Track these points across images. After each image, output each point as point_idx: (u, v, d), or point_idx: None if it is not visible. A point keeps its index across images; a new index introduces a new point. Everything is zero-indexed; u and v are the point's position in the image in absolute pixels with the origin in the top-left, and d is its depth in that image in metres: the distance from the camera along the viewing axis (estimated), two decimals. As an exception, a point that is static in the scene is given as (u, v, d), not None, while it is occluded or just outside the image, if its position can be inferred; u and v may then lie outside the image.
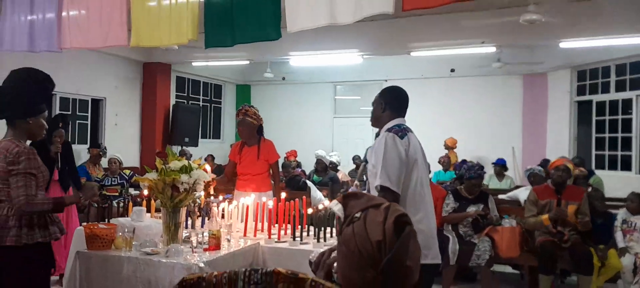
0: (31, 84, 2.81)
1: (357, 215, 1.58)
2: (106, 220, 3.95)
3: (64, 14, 4.52)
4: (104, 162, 7.51)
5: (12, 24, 4.74)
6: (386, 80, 10.78)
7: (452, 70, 10.42)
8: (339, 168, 8.73)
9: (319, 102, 12.14)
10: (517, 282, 5.64)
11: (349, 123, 11.76)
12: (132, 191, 6.47)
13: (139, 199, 4.82)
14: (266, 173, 4.59)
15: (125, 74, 9.40)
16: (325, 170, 7.93)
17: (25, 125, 2.74)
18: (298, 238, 3.36)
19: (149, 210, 3.98)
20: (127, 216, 3.75)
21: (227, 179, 4.76)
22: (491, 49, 7.90)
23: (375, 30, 7.11)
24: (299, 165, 9.20)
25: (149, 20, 4.13)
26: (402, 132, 2.62)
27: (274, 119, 12.20)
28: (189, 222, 3.74)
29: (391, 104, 2.79)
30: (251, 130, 4.55)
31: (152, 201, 3.92)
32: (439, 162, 8.67)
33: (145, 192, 3.67)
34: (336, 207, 1.68)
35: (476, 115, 10.48)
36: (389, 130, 2.63)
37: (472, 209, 5.13)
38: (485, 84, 10.49)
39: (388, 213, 1.52)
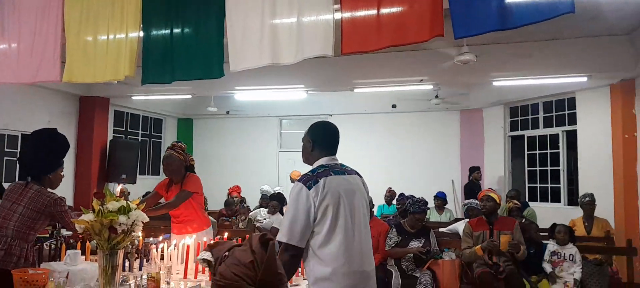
0: (50, 145, 3.47)
1: (226, 253, 2.07)
2: (37, 264, 3.72)
3: (-7, 46, 4.33)
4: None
5: None
6: (331, 115, 10.98)
7: (394, 106, 10.74)
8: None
9: (264, 136, 12.13)
10: (458, 314, 5.75)
11: (295, 157, 11.70)
12: (64, 232, 6.13)
13: (72, 241, 4.58)
14: (199, 211, 4.46)
15: (60, 108, 9.00)
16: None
17: (47, 180, 3.45)
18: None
19: (83, 253, 3.79)
20: (60, 259, 3.55)
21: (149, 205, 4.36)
22: (429, 87, 8.23)
23: (319, 67, 7.26)
24: (243, 201, 9.06)
25: (84, 56, 4.02)
26: (315, 178, 2.44)
27: (218, 153, 12.07)
28: (127, 264, 3.59)
29: (319, 142, 2.66)
30: (178, 167, 4.36)
31: (87, 243, 3.74)
32: (385, 197, 8.84)
33: (80, 233, 3.49)
34: (206, 254, 2.19)
35: (417, 149, 10.85)
36: (300, 178, 2.47)
37: (414, 243, 5.24)
38: (425, 119, 10.90)
39: (251, 240, 1.99)
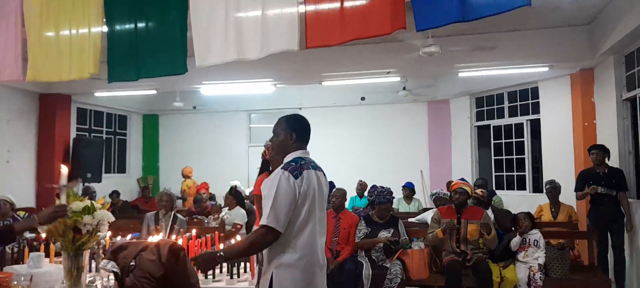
0: None
1: (132, 263, 2.05)
2: (-1, 268, 3.61)
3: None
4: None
5: None
6: (300, 108, 10.96)
7: (363, 98, 10.81)
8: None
9: (233, 131, 12.01)
10: (428, 302, 5.84)
11: (265, 152, 11.70)
12: (27, 234, 5.95)
13: (35, 243, 4.47)
14: None
15: (19, 106, 8.69)
16: (242, 203, 7.79)
17: None
18: (210, 277, 3.28)
19: (47, 255, 3.70)
20: (23, 262, 3.46)
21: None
22: (397, 79, 8.30)
23: (287, 61, 7.19)
24: (212, 197, 8.97)
25: (47, 53, 3.89)
26: (299, 169, 2.51)
27: (185, 150, 11.89)
28: (93, 264, 3.52)
29: (300, 133, 2.69)
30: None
31: (51, 244, 3.65)
32: (356, 189, 8.88)
33: (43, 235, 3.41)
34: (109, 265, 2.17)
35: (386, 140, 10.97)
36: (285, 167, 2.52)
37: (383, 233, 5.30)
38: (393, 111, 11.01)
39: (159, 249, 1.99)
